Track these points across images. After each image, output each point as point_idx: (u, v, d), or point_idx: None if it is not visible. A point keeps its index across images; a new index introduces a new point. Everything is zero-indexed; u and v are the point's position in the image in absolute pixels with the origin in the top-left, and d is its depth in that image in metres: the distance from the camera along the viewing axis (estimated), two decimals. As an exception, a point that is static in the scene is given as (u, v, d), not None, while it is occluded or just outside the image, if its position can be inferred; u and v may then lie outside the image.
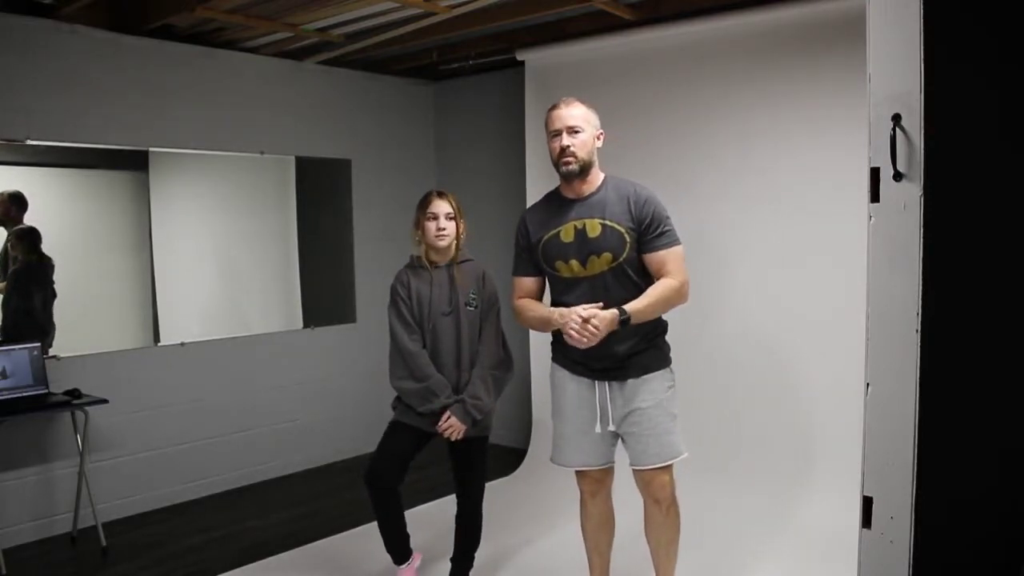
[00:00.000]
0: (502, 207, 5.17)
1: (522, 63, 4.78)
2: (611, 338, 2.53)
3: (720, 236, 4.00)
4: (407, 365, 2.95)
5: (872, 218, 1.48)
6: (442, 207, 2.97)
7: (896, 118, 1.43)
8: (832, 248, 3.66)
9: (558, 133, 2.61)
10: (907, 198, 1.43)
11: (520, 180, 4.92)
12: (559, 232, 2.65)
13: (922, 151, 1.42)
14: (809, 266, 3.78)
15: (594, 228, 2.60)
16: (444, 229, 2.96)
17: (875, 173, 1.47)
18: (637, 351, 2.63)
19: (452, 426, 2.91)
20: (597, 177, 2.68)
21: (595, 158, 2.65)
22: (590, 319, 2.43)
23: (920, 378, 1.44)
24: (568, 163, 2.60)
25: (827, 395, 3.71)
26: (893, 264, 1.46)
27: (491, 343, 3.00)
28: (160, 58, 4.23)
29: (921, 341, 1.43)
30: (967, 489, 1.60)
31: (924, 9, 1.40)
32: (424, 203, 3.00)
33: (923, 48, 1.40)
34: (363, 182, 5.26)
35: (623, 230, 2.59)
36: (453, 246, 3.01)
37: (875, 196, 1.47)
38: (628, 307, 2.49)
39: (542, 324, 2.69)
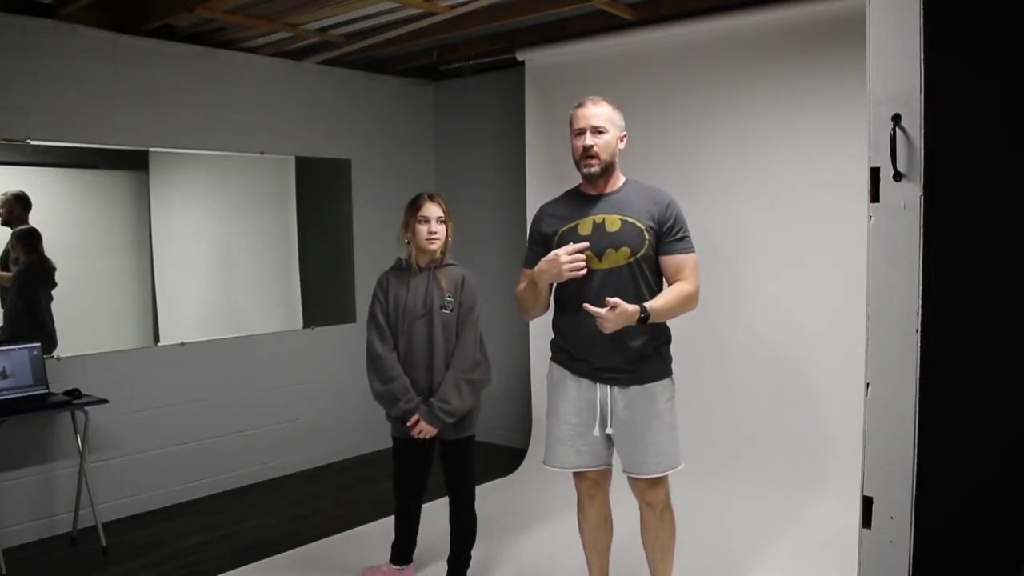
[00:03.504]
0: (501, 207, 5.17)
1: (522, 63, 4.78)
2: (622, 335, 2.53)
3: (719, 236, 4.00)
4: (374, 368, 3.00)
5: (872, 218, 1.48)
6: (434, 210, 2.98)
7: (896, 118, 1.43)
8: (832, 248, 3.65)
9: (581, 132, 2.60)
10: (907, 198, 1.43)
11: (520, 180, 4.92)
12: (577, 225, 2.64)
13: (922, 151, 1.42)
14: (809, 266, 3.78)
15: (613, 223, 2.60)
16: (435, 232, 2.97)
17: (875, 173, 1.47)
18: (642, 356, 2.61)
19: (422, 429, 2.96)
20: (619, 177, 2.69)
21: (617, 159, 2.65)
22: (615, 306, 2.41)
23: (920, 378, 1.44)
24: (590, 164, 2.59)
25: (827, 395, 3.70)
26: (893, 264, 1.46)
27: (467, 347, 3.00)
28: (160, 58, 4.23)
29: (921, 341, 1.43)
30: (967, 489, 1.60)
31: (924, 9, 1.40)
32: (415, 206, 3.00)
33: (923, 48, 1.40)
34: (363, 182, 5.26)
35: (643, 227, 2.58)
36: (440, 249, 3.01)
37: (875, 196, 1.47)
38: (648, 304, 2.49)
39: (529, 293, 2.67)
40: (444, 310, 2.99)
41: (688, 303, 2.60)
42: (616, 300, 2.42)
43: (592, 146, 2.58)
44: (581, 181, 2.71)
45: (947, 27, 1.42)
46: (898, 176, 1.44)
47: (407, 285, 3.01)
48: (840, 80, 3.55)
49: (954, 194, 1.48)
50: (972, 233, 1.55)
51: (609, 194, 2.66)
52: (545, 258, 2.55)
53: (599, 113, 2.60)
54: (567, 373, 2.72)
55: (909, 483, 1.45)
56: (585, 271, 2.51)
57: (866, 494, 1.51)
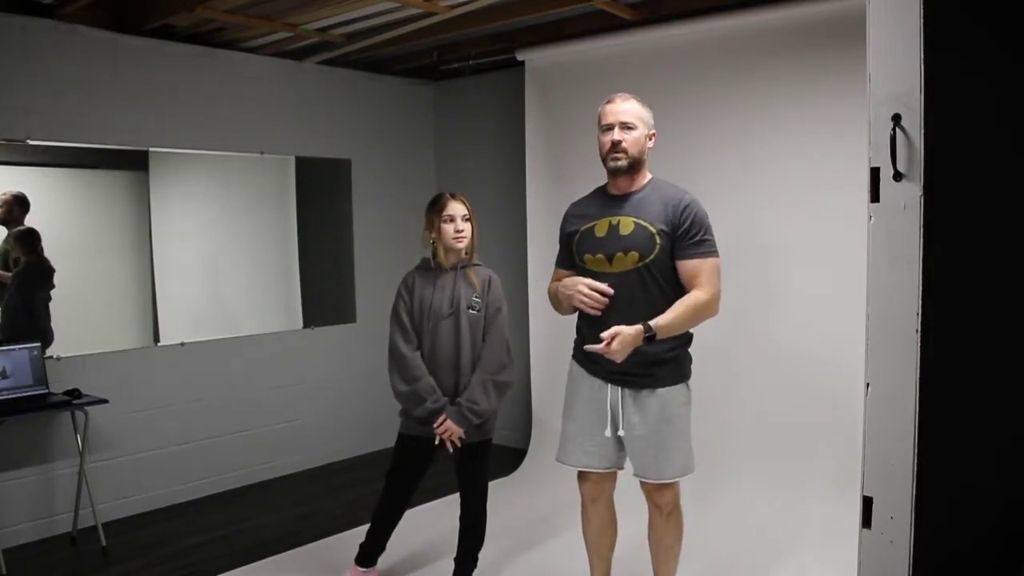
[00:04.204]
0: (502, 207, 5.17)
1: (522, 63, 4.78)
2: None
3: (720, 236, 3.98)
4: (398, 367, 2.96)
5: (872, 218, 1.48)
6: (459, 209, 2.97)
7: (896, 118, 1.43)
8: (832, 248, 3.65)
9: (610, 128, 2.58)
10: (907, 198, 1.43)
11: (520, 180, 4.92)
12: (594, 226, 2.64)
13: (922, 151, 1.42)
14: (808, 266, 3.77)
15: (627, 226, 2.58)
16: (462, 231, 2.96)
17: (875, 173, 1.47)
18: (656, 361, 2.59)
19: (448, 429, 2.91)
20: (643, 177, 2.66)
21: (645, 157, 2.62)
22: (614, 336, 2.38)
23: (920, 378, 1.44)
24: (617, 159, 2.57)
25: (830, 396, 3.69)
26: (893, 264, 1.46)
27: (494, 348, 2.98)
28: (160, 58, 4.23)
29: (921, 341, 1.43)
30: (967, 489, 1.60)
31: (924, 9, 1.40)
32: (439, 206, 2.98)
33: (923, 48, 1.40)
34: (363, 182, 5.26)
35: (655, 231, 2.55)
36: (467, 248, 3.00)
37: (875, 196, 1.47)
38: (654, 323, 2.44)
39: (554, 297, 2.72)
40: (471, 310, 2.97)
41: (703, 312, 2.54)
42: (614, 330, 2.39)
43: (621, 141, 2.55)
44: (608, 179, 2.70)
45: (947, 27, 1.42)
46: (898, 176, 1.44)
47: (433, 285, 2.99)
48: (840, 80, 3.55)
49: (954, 194, 1.48)
50: (972, 233, 1.55)
51: (631, 194, 2.63)
52: (572, 281, 2.55)
53: (627, 109, 2.57)
54: (583, 372, 2.72)
55: (909, 483, 1.45)
56: (599, 314, 2.53)
57: (866, 494, 1.51)
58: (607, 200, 2.67)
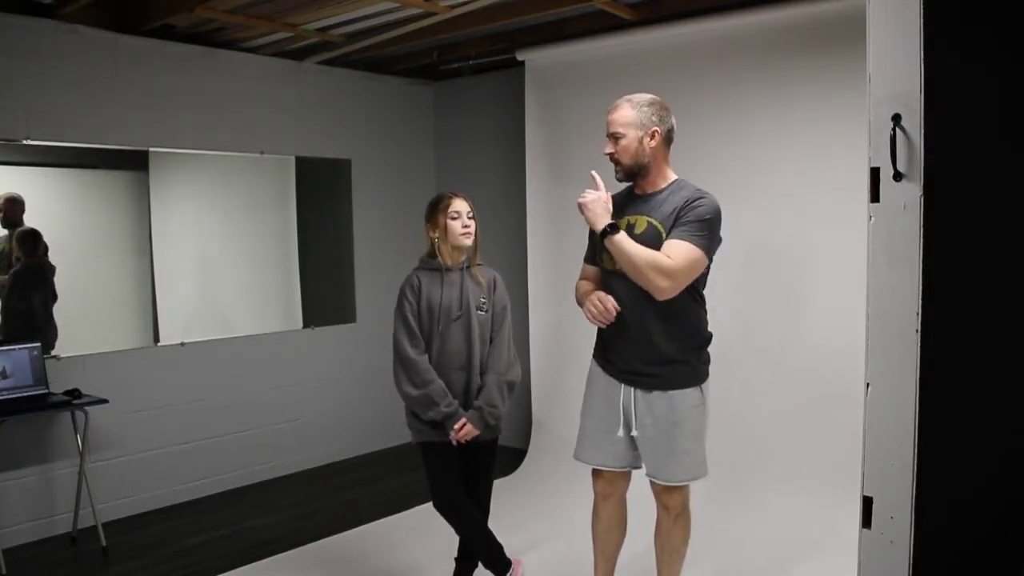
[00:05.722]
0: (502, 207, 5.17)
1: (522, 63, 4.78)
2: (649, 333, 2.54)
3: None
4: (406, 372, 2.91)
5: (872, 218, 1.48)
6: (463, 206, 2.95)
7: (896, 118, 1.43)
8: (832, 249, 3.65)
9: (607, 138, 2.63)
10: (907, 198, 1.43)
11: (520, 180, 4.92)
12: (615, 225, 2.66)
13: (922, 151, 1.42)
14: (808, 266, 3.77)
15: (641, 225, 2.59)
16: (469, 227, 2.94)
17: (875, 173, 1.47)
18: (668, 360, 2.59)
19: (468, 433, 2.88)
20: (665, 177, 2.64)
21: (646, 159, 2.58)
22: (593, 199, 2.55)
23: (920, 378, 1.44)
24: (615, 171, 2.64)
25: (838, 398, 3.67)
26: (893, 264, 1.46)
27: (503, 348, 2.98)
28: (160, 58, 4.23)
29: (921, 341, 1.43)
30: (967, 489, 1.60)
31: (924, 9, 1.40)
32: (444, 204, 2.95)
33: (923, 48, 1.40)
34: (363, 182, 5.26)
35: (663, 231, 2.55)
36: (473, 247, 2.99)
37: (875, 196, 1.47)
38: (619, 234, 2.52)
39: (580, 296, 2.76)
40: (479, 311, 2.95)
41: (653, 269, 2.45)
42: (599, 192, 2.57)
43: (613, 153, 2.60)
44: None
45: (947, 27, 1.42)
46: (898, 176, 1.44)
47: (441, 285, 2.95)
48: (840, 80, 3.55)
49: (954, 194, 1.48)
50: (972, 233, 1.55)
51: (651, 194, 2.64)
52: (596, 296, 2.59)
53: (614, 119, 2.60)
54: (600, 370, 2.74)
55: (909, 483, 1.45)
56: (603, 326, 2.62)
57: (866, 494, 1.51)
58: (631, 199, 2.70)
